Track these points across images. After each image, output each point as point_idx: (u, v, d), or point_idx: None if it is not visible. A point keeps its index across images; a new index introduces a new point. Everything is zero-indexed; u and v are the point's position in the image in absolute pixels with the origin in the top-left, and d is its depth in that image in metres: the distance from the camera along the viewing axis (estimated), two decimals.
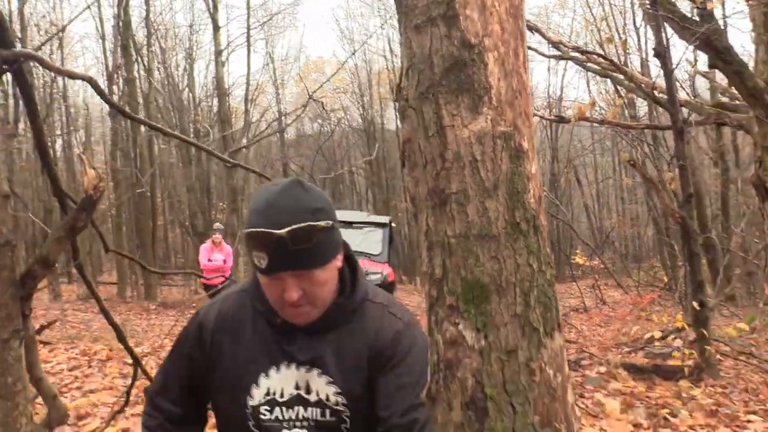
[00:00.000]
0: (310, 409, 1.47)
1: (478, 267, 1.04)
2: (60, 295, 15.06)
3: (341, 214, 12.20)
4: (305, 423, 1.47)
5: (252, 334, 1.50)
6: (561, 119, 7.87)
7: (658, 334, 5.89)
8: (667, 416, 4.50)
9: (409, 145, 1.12)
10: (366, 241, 10.76)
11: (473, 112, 1.05)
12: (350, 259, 1.55)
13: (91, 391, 4.23)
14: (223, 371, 1.50)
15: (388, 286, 10.20)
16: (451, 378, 1.07)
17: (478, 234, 1.04)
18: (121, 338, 1.98)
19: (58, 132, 20.19)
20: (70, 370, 4.96)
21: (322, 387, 1.45)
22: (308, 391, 1.46)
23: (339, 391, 1.45)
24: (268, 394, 1.47)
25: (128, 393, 2.12)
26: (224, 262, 10.09)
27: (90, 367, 5.04)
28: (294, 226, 1.30)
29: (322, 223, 1.34)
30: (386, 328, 1.49)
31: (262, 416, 1.47)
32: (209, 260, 10.00)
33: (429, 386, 1.11)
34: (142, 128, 17.06)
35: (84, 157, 1.20)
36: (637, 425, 4.34)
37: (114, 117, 16.84)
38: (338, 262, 1.46)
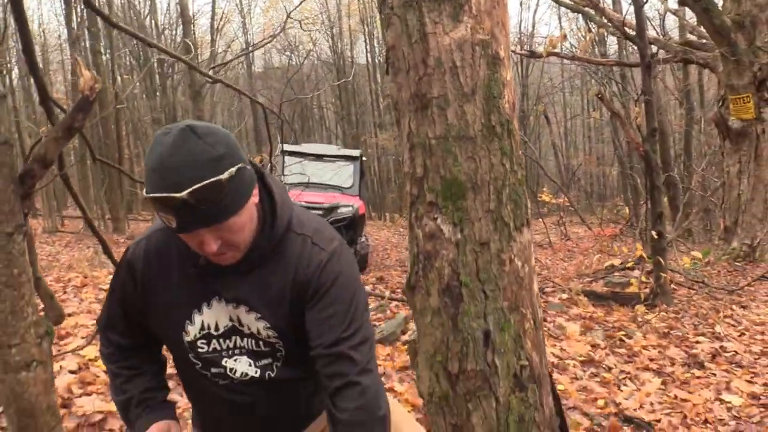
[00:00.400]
0: (245, 339, 1.48)
1: (456, 166, 1.14)
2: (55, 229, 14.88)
3: (313, 147, 12.16)
4: (243, 350, 1.49)
5: (179, 273, 1.47)
6: (532, 54, 7.89)
7: (617, 262, 6.16)
8: (623, 338, 4.79)
9: (393, 52, 1.18)
10: (337, 174, 10.79)
11: (454, 20, 1.12)
12: (267, 188, 1.47)
13: (70, 314, 4.30)
14: (155, 309, 1.49)
15: (359, 219, 10.32)
16: (429, 268, 1.18)
17: (456, 135, 1.13)
18: (107, 251, 2.05)
19: (15, 60, 19.38)
20: None
21: (252, 322, 1.46)
22: (240, 323, 1.47)
23: (269, 325, 1.46)
24: (203, 328, 1.48)
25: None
26: None
27: (65, 293, 5.09)
28: (196, 186, 1.20)
29: (226, 176, 1.23)
30: (309, 260, 1.45)
31: (200, 349, 1.49)
32: None
33: (408, 276, 1.22)
34: (104, 57, 16.50)
35: (79, 59, 1.24)
36: (594, 345, 4.61)
37: (73, 45, 16.20)
38: (254, 198, 1.38)
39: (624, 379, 3.97)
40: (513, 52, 8.87)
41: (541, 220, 16.27)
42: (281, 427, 1.64)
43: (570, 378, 3.94)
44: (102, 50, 16.02)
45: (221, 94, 24.08)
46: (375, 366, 1.55)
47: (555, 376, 3.92)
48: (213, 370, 1.51)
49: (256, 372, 1.50)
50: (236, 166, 1.26)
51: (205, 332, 1.48)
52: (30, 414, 1.24)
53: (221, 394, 1.54)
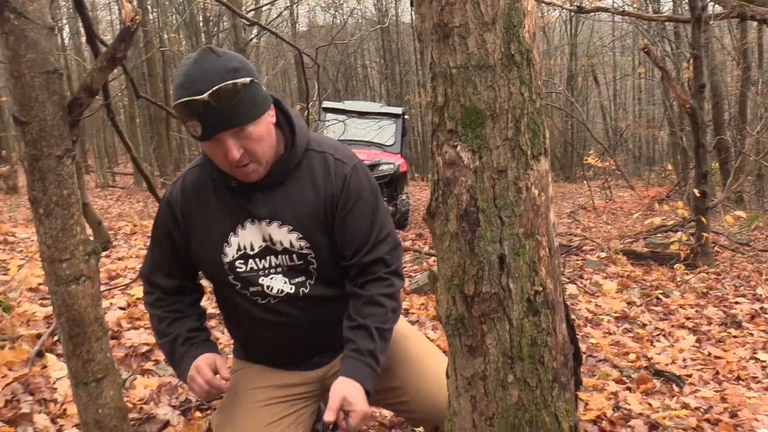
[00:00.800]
0: (279, 256, 1.62)
1: (476, 95, 1.17)
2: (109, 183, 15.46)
3: (354, 105, 12.16)
4: (279, 269, 1.63)
5: (215, 201, 1.62)
6: (580, 9, 7.65)
7: (658, 221, 6.07)
8: (660, 296, 4.76)
9: None
10: (379, 131, 10.81)
11: None
12: (285, 114, 1.63)
13: (119, 258, 4.52)
14: (197, 238, 1.64)
15: (399, 177, 10.36)
16: (448, 194, 1.22)
17: (476, 64, 1.16)
18: (151, 188, 2.15)
19: (65, 20, 19.78)
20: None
21: (284, 236, 1.60)
22: (273, 242, 1.61)
23: (300, 236, 1.60)
24: (239, 249, 1.62)
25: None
26: None
27: (116, 239, 5.33)
28: (215, 88, 1.36)
29: (241, 80, 1.40)
30: (334, 174, 1.61)
31: (238, 269, 1.63)
32: None
33: (429, 203, 1.27)
34: (151, 15, 16.71)
35: None
36: (630, 303, 4.60)
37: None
38: (270, 117, 1.54)
39: (658, 335, 3.97)
40: (560, 7, 8.61)
41: (585, 182, 16.01)
42: (319, 349, 1.75)
43: (603, 333, 3.96)
44: (149, 7, 16.21)
45: (265, 53, 24.16)
46: (402, 273, 1.69)
47: (587, 330, 3.95)
48: (251, 289, 1.64)
49: (291, 288, 1.63)
50: (250, 78, 1.43)
51: (241, 252, 1.62)
52: (79, 323, 1.35)
53: (260, 315, 1.67)
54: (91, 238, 1.57)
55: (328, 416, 1.46)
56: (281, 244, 1.61)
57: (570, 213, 13.33)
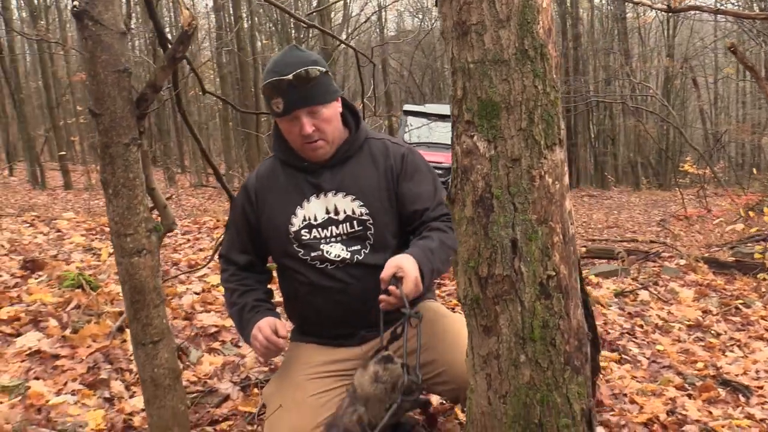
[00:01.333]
0: (340, 226, 1.87)
1: (492, 88, 1.24)
2: (175, 181, 16.41)
3: (435, 108, 12.24)
4: (339, 238, 1.87)
5: (284, 179, 1.92)
6: (669, 9, 7.38)
7: (740, 227, 5.75)
8: (740, 306, 4.53)
9: None
10: None
11: None
12: (350, 108, 1.93)
13: (201, 249, 4.84)
14: (268, 213, 1.92)
15: None
16: (465, 181, 1.30)
17: (492, 59, 1.23)
18: (219, 177, 2.35)
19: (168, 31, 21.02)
20: (183, 234, 5.63)
21: (347, 204, 1.86)
22: (336, 212, 1.87)
23: (362, 203, 1.86)
24: (305, 219, 1.88)
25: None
26: None
27: (200, 233, 5.69)
28: (299, 70, 1.71)
29: (317, 68, 1.75)
30: (392, 153, 1.91)
31: (303, 237, 1.88)
32: None
33: (449, 189, 1.35)
34: (245, 24, 17.50)
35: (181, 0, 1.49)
36: (706, 312, 4.41)
37: (219, 11, 17.35)
38: (338, 106, 1.86)
39: (732, 345, 3.80)
40: (649, 6, 8.31)
41: (678, 189, 15.28)
42: (366, 323, 1.89)
43: (672, 340, 3.84)
44: (243, 15, 16.99)
45: (353, 58, 24.65)
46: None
47: (655, 336, 3.85)
48: (312, 254, 1.87)
49: (347, 255, 1.86)
50: (325, 69, 1.77)
51: (306, 223, 1.88)
52: (140, 291, 1.53)
53: (317, 280, 1.87)
54: (156, 219, 1.74)
55: (383, 284, 1.65)
56: (344, 212, 1.87)
57: (660, 221, 12.80)
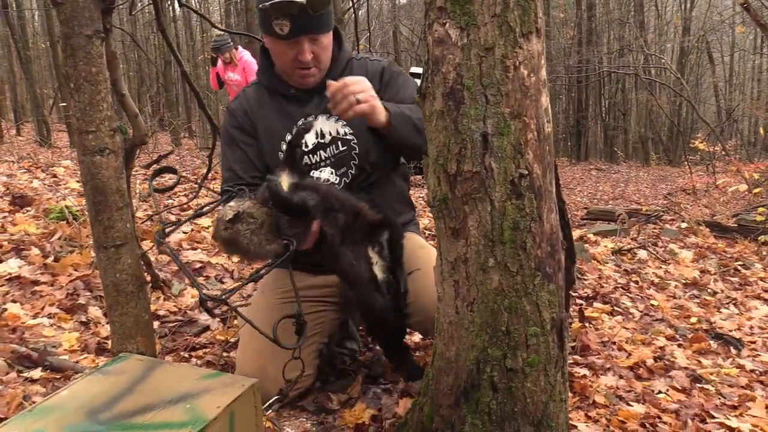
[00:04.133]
0: (328, 148, 1.88)
1: None
2: (180, 144, 16.34)
3: None
4: (327, 161, 1.88)
5: (273, 106, 1.90)
6: None
7: (743, 188, 5.64)
8: (739, 267, 4.47)
9: None
10: None
11: None
12: (338, 35, 1.93)
13: (196, 197, 4.78)
14: (261, 138, 1.91)
15: None
16: (436, 72, 1.23)
17: None
18: (201, 103, 2.28)
19: None
20: (181, 184, 5.59)
21: (332, 126, 1.88)
22: (323, 136, 1.88)
23: (345, 123, 1.87)
24: None
25: (210, 158, 2.41)
26: (244, 77, 7.32)
27: (196, 184, 5.63)
28: None
29: None
30: (373, 68, 1.92)
31: None
32: (223, 83, 7.64)
33: (420, 84, 1.28)
34: None
35: None
36: (704, 271, 4.35)
37: None
38: (331, 37, 1.85)
39: (727, 303, 3.74)
40: None
41: (686, 164, 15.07)
42: None
43: (667, 296, 3.79)
44: None
45: (363, 24, 24.25)
46: None
47: (650, 292, 3.79)
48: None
49: (336, 178, 1.88)
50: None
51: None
52: (102, 192, 1.48)
53: None
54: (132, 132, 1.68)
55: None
56: (330, 134, 1.88)
57: (666, 195, 12.66)
